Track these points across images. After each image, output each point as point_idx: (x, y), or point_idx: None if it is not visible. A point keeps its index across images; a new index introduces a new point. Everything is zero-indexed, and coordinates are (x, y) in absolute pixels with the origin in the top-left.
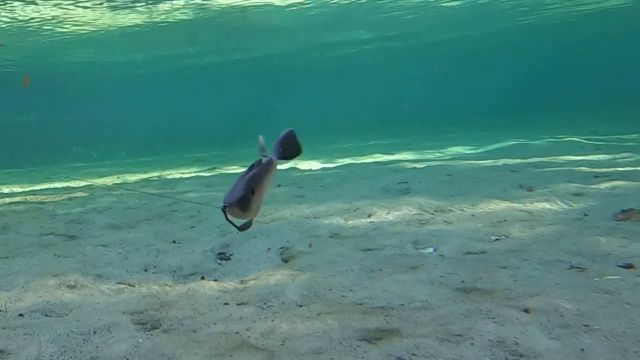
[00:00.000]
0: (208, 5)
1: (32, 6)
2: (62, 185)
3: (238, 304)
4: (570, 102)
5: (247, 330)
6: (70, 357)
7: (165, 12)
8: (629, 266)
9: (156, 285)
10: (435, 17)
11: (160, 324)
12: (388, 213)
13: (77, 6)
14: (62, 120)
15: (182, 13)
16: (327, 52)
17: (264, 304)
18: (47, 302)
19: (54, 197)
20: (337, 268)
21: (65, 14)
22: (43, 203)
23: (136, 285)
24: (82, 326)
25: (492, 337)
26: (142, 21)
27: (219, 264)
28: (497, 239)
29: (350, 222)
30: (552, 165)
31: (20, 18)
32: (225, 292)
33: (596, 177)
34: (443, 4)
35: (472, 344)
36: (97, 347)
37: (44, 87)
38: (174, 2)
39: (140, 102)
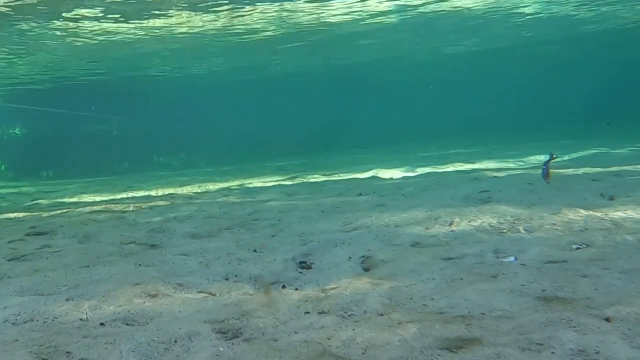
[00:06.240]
0: (291, 19)
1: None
2: (142, 194)
3: (319, 313)
4: None
5: (328, 339)
6: None
7: (248, 24)
8: None
9: (237, 294)
10: (516, 24)
11: (241, 333)
12: (469, 222)
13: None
14: (143, 129)
15: (266, 24)
16: (408, 61)
17: (345, 312)
18: (128, 310)
19: (135, 206)
20: (418, 277)
21: (147, 24)
22: (124, 212)
23: (217, 294)
24: (163, 335)
25: (573, 346)
26: (225, 32)
27: (300, 272)
28: (578, 248)
29: (431, 230)
30: (634, 174)
31: (110, 30)
32: (306, 300)
33: None
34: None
35: (553, 352)
36: (178, 356)
37: (125, 96)
38: (257, 14)
39: (221, 111)
